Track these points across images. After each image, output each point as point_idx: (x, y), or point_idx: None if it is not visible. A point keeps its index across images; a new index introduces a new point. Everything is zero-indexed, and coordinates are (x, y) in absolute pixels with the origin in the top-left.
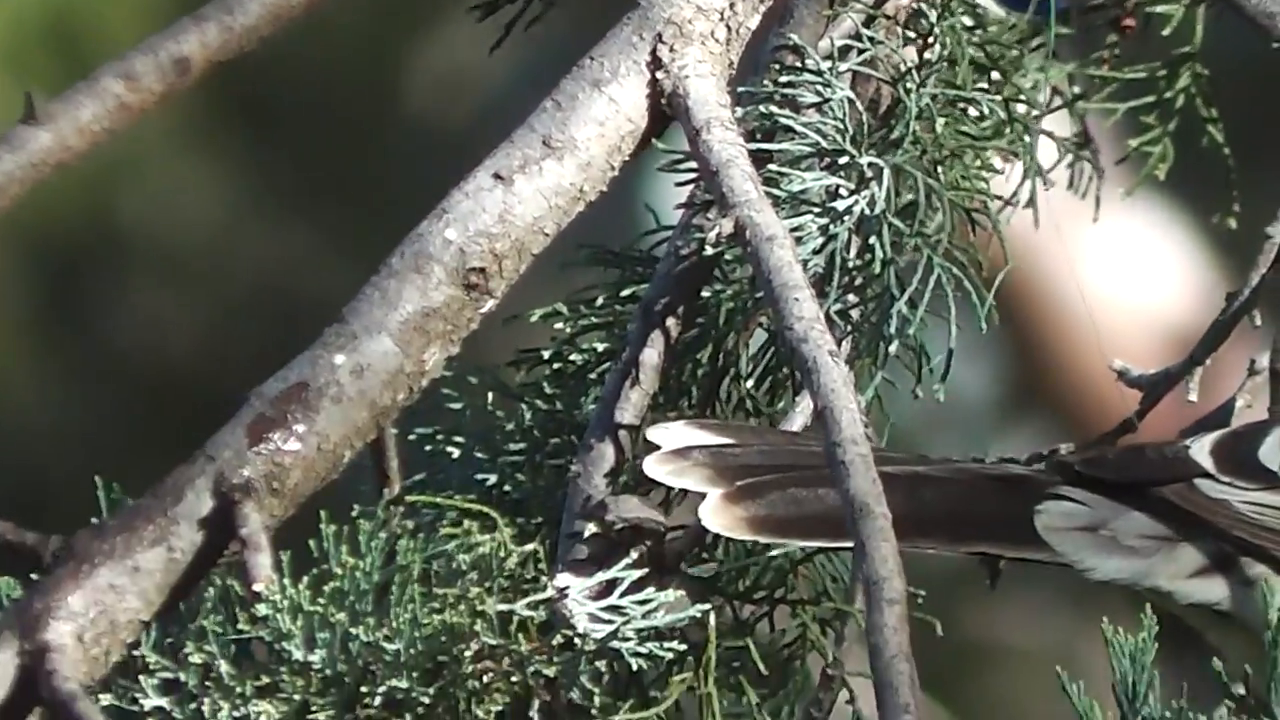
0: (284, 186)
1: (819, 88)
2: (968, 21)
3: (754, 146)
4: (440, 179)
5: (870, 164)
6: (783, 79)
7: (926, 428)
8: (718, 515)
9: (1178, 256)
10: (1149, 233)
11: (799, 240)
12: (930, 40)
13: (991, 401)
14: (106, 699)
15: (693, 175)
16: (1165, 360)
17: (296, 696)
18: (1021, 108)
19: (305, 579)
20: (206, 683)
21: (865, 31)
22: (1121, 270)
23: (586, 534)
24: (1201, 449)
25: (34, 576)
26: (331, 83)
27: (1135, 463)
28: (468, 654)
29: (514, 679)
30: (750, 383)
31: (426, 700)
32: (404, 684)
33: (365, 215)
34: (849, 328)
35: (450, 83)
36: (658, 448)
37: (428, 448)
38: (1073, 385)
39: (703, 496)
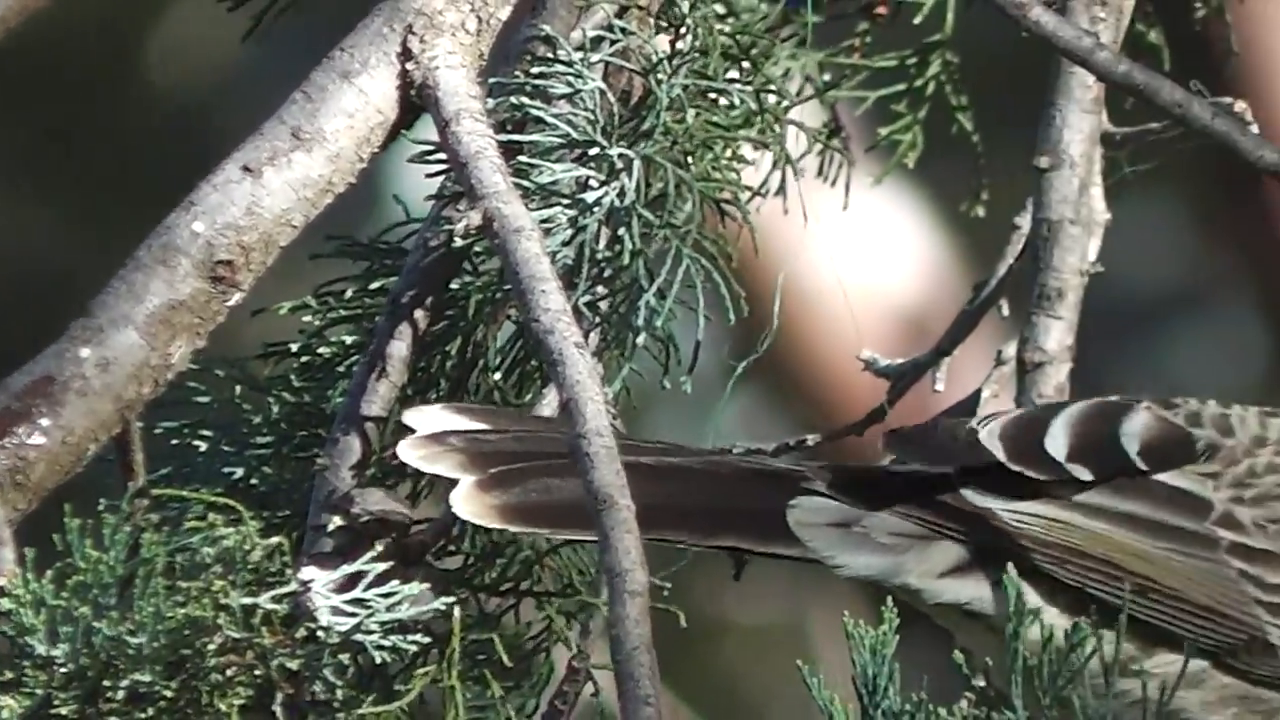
0: (20, 170)
1: (570, 79)
2: (720, 10)
3: (504, 138)
4: (182, 158)
5: (620, 155)
6: (534, 70)
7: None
8: (468, 502)
9: (923, 246)
10: (895, 221)
11: (548, 232)
12: (682, 30)
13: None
14: None
15: (443, 166)
16: (909, 348)
17: (39, 691)
18: (772, 98)
19: (49, 573)
20: None
21: (617, 22)
22: (867, 258)
23: (331, 527)
24: (990, 435)
25: None
26: (70, 61)
27: (936, 443)
28: (211, 647)
29: (257, 672)
30: (498, 375)
31: (169, 694)
32: (147, 677)
33: (107, 198)
34: (597, 319)
35: (193, 61)
36: (413, 431)
37: (174, 441)
38: (819, 374)
39: (455, 483)
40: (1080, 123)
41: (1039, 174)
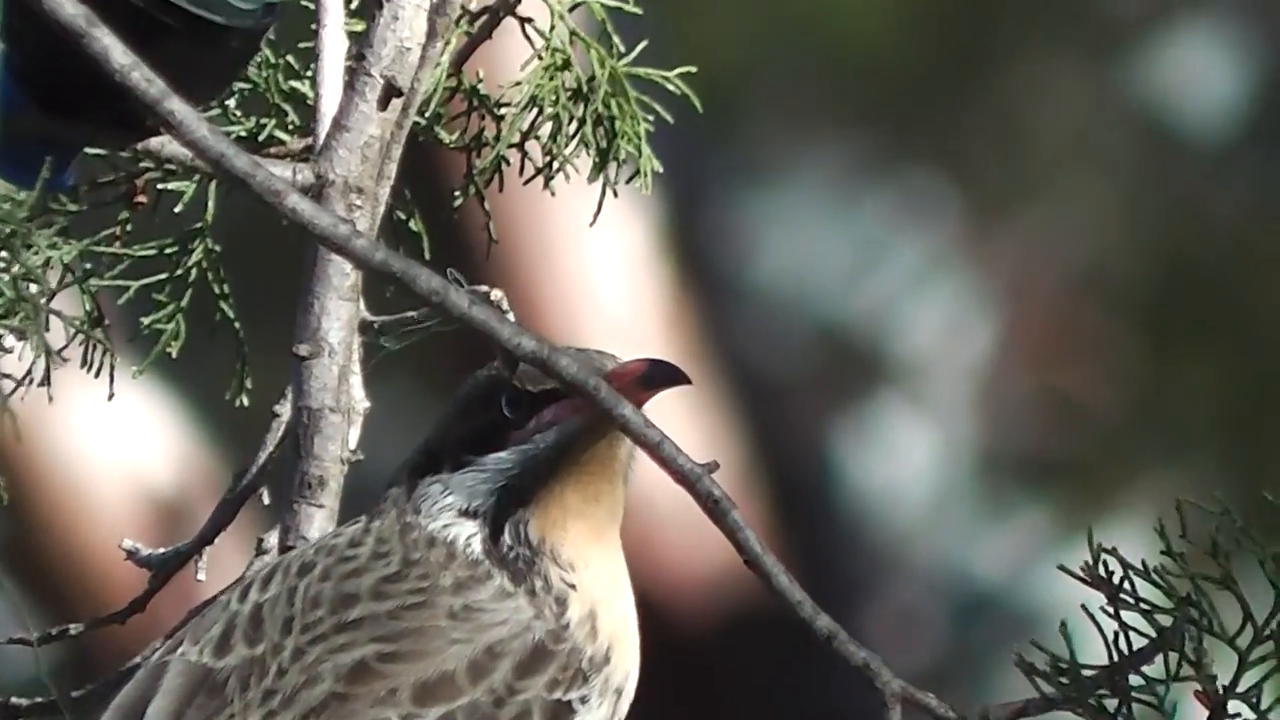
0: None
1: None
2: None
3: None
4: None
5: None
6: None
7: None
8: None
9: (184, 435)
10: (159, 411)
11: None
12: None
13: None
14: None
15: None
16: (171, 538)
17: None
18: (34, 287)
19: None
20: None
21: None
22: (128, 448)
23: None
24: None
25: None
26: None
27: None
28: None
29: None
30: None
31: None
32: None
33: None
34: None
35: None
36: None
37: None
38: (81, 564)
39: None
40: (339, 310)
41: (298, 361)
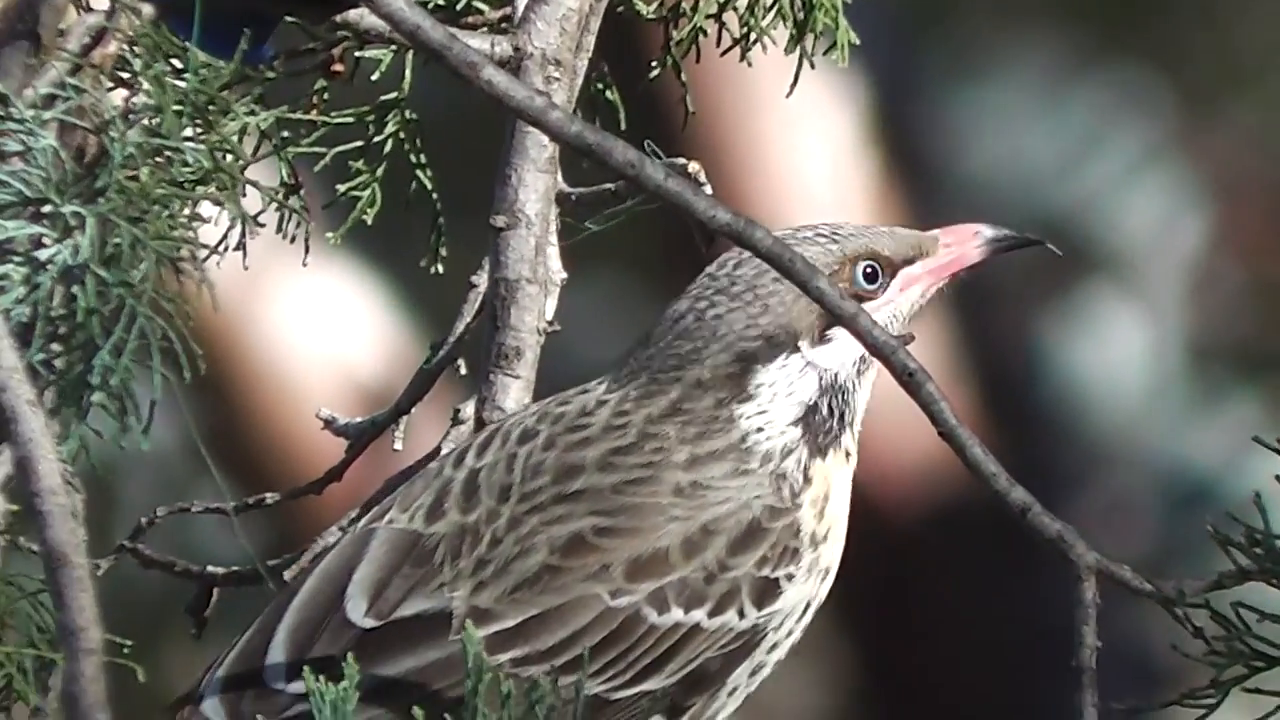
0: None
1: (23, 136)
2: (176, 66)
3: None
4: None
5: (74, 213)
6: None
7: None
8: None
9: (381, 306)
10: (356, 282)
11: (2, 290)
12: (134, 87)
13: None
14: None
15: None
16: (364, 411)
17: None
18: (229, 155)
19: None
20: None
21: (70, 80)
22: (325, 320)
23: None
24: (212, 709)
25: None
26: None
27: None
28: None
29: None
30: None
31: None
32: None
33: None
34: (53, 377)
35: None
36: None
37: None
38: (279, 435)
39: None
40: (536, 182)
41: (495, 233)
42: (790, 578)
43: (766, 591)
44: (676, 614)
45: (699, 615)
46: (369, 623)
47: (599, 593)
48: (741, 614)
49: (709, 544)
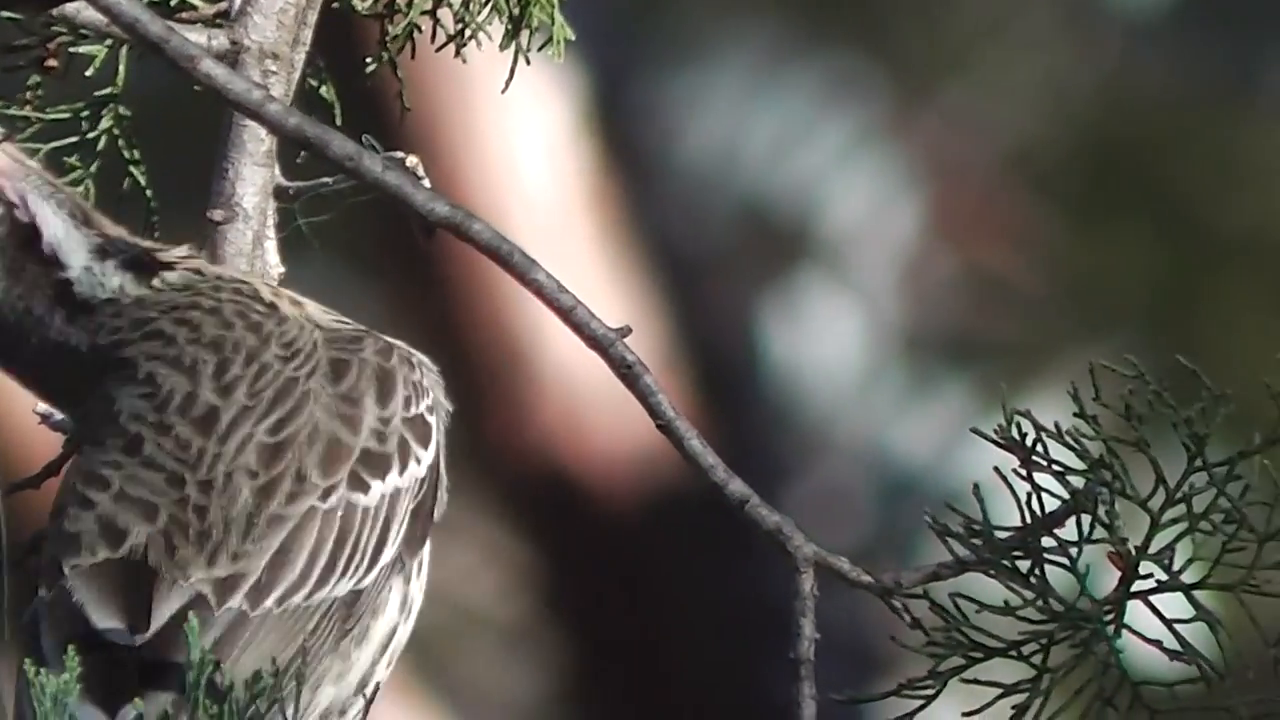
0: None
1: None
2: None
3: None
4: None
5: None
6: None
7: None
8: None
9: None
10: None
11: None
12: None
13: None
14: None
15: None
16: None
17: None
18: None
19: None
20: None
21: None
22: None
23: None
24: None
25: None
26: None
27: None
28: None
29: None
30: None
31: None
32: None
33: None
34: None
35: None
36: None
37: None
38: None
39: None
40: (254, 176)
41: (213, 227)
42: (431, 410)
43: (425, 431)
44: (378, 487)
45: (395, 479)
46: (139, 639)
47: (312, 505)
48: (418, 460)
49: (361, 408)
